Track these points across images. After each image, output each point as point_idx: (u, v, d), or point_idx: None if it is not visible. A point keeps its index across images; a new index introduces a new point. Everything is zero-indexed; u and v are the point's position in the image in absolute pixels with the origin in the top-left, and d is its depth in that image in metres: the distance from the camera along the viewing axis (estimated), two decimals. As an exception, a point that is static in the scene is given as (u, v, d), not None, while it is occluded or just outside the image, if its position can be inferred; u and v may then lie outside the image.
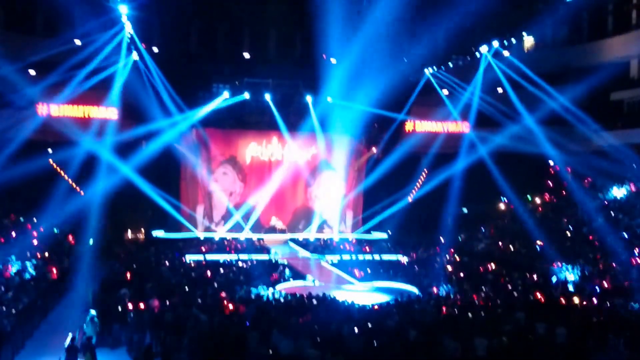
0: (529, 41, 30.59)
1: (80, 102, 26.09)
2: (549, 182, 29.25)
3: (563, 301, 16.93)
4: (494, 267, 22.24)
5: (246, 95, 28.26)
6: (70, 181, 26.62)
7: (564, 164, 27.36)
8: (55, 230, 22.86)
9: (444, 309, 15.24)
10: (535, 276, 20.26)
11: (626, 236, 21.62)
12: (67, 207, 22.89)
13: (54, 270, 18.80)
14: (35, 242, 20.71)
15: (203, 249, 25.61)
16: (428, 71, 29.42)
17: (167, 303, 14.81)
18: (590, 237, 22.85)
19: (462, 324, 13.27)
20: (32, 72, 25.28)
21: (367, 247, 27.62)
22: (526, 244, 24.28)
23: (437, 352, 11.08)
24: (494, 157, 27.67)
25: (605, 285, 18.30)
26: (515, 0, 27.70)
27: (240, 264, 22.86)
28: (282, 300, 16.52)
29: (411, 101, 29.57)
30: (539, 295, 17.60)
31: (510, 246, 24.90)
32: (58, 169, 26.60)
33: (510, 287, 18.99)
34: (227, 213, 30.05)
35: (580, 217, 24.87)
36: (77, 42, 24.11)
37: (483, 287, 18.94)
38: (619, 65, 26.66)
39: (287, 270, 22.10)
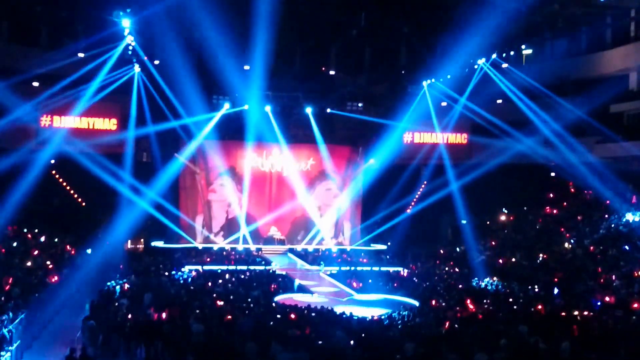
0: (527, 53, 30.74)
1: (82, 114, 26.26)
2: (551, 194, 29.23)
3: (564, 314, 16.79)
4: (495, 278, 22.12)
5: (246, 107, 28.43)
6: (72, 192, 26.67)
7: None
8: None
9: (446, 324, 15.11)
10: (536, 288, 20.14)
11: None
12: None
13: (54, 280, 18.76)
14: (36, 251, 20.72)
15: (202, 259, 25.54)
16: (425, 83, 29.59)
17: (166, 314, 14.73)
18: (592, 248, 22.74)
19: (462, 337, 13.16)
20: (35, 84, 25.47)
21: (365, 259, 27.49)
22: (528, 255, 24.16)
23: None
24: (495, 168, 27.67)
25: (607, 298, 18.17)
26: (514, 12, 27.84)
27: (239, 274, 22.76)
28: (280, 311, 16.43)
29: (409, 111, 29.67)
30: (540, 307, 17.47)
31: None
32: (61, 180, 26.67)
33: (511, 300, 18.88)
34: (227, 223, 30.04)
35: (583, 230, 24.70)
36: (80, 55, 24.32)
37: (484, 299, 18.82)
38: (618, 77, 26.74)
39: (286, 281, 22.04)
